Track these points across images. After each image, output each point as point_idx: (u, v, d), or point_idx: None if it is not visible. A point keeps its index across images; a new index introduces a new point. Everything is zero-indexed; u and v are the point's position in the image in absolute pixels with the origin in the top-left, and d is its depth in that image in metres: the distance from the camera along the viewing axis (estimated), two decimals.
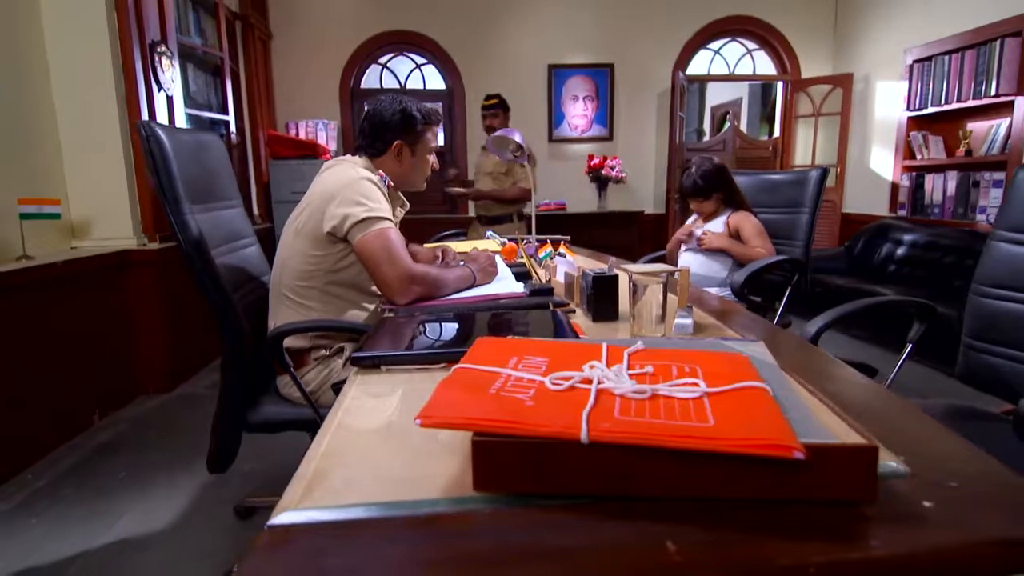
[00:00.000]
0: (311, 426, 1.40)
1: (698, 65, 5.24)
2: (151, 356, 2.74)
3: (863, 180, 4.79)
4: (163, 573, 1.57)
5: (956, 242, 3.46)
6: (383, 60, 4.84)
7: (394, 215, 1.59)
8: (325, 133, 4.45)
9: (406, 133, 1.54)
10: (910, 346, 1.29)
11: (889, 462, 0.56)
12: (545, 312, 1.15)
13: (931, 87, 3.99)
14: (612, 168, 4.61)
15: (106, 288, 2.56)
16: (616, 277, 1.16)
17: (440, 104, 5.04)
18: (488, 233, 2.12)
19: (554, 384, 0.60)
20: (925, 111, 4.05)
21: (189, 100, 3.24)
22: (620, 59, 4.93)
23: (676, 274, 1.23)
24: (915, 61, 4.11)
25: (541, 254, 1.83)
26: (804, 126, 5.25)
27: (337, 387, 1.35)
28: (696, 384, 0.59)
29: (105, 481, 2.04)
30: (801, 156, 5.28)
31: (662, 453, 0.49)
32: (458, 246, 1.97)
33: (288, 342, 1.44)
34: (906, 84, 4.19)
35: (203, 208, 1.46)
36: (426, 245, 1.96)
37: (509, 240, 2.12)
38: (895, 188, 4.42)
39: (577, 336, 0.98)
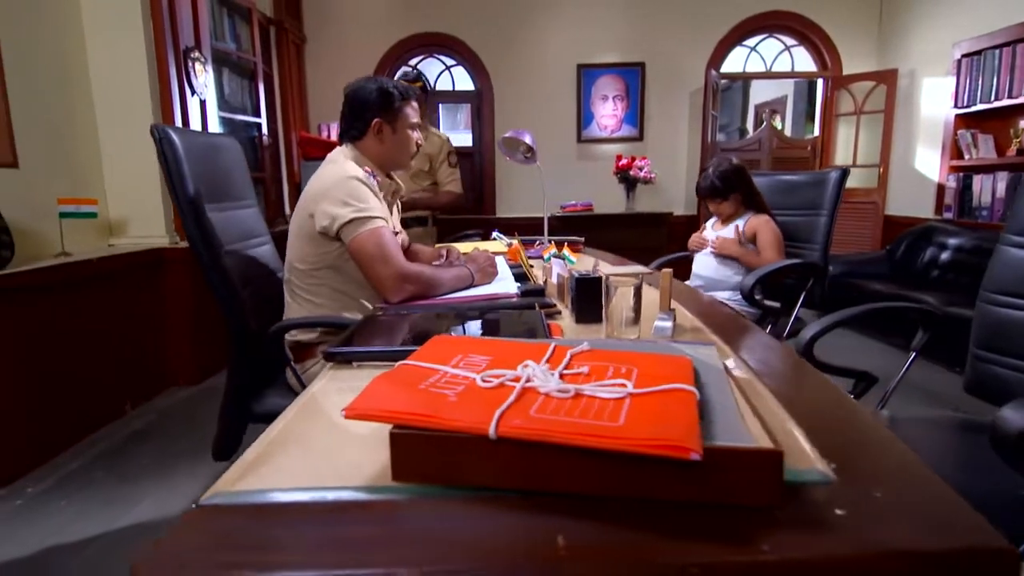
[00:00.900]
0: None
1: (733, 62, 5.12)
2: (181, 350, 2.86)
3: (907, 181, 4.59)
4: None
5: None
6: (413, 62, 4.91)
7: (388, 200, 1.60)
8: None
9: (384, 110, 1.53)
10: (914, 354, 1.24)
11: (816, 468, 0.56)
12: (531, 312, 1.16)
13: (981, 83, 3.79)
14: (640, 169, 4.56)
15: (139, 284, 2.69)
16: (600, 279, 1.15)
17: (468, 105, 5.10)
18: (495, 233, 2.14)
19: (484, 382, 0.61)
20: (974, 108, 3.84)
21: (223, 103, 3.38)
22: (651, 57, 4.86)
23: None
24: (964, 55, 3.91)
25: (545, 255, 1.84)
26: (845, 125, 5.06)
27: None
28: (624, 385, 0.59)
29: (131, 467, 2.15)
30: (842, 156, 5.10)
31: (565, 451, 0.50)
32: (464, 247, 1.99)
33: (298, 336, 1.49)
34: (954, 80, 4.00)
35: (217, 207, 1.53)
36: (437, 245, 1.99)
37: (521, 241, 2.13)
38: (941, 189, 4.22)
39: (550, 336, 0.98)
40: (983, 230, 3.64)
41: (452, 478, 0.53)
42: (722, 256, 2.24)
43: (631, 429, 0.50)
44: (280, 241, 1.80)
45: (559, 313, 1.24)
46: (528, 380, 0.60)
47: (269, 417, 1.51)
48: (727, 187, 2.24)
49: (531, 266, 1.68)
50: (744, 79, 5.40)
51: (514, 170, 4.74)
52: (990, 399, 1.19)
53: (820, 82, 5.17)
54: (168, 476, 2.08)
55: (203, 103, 3.01)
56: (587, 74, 4.86)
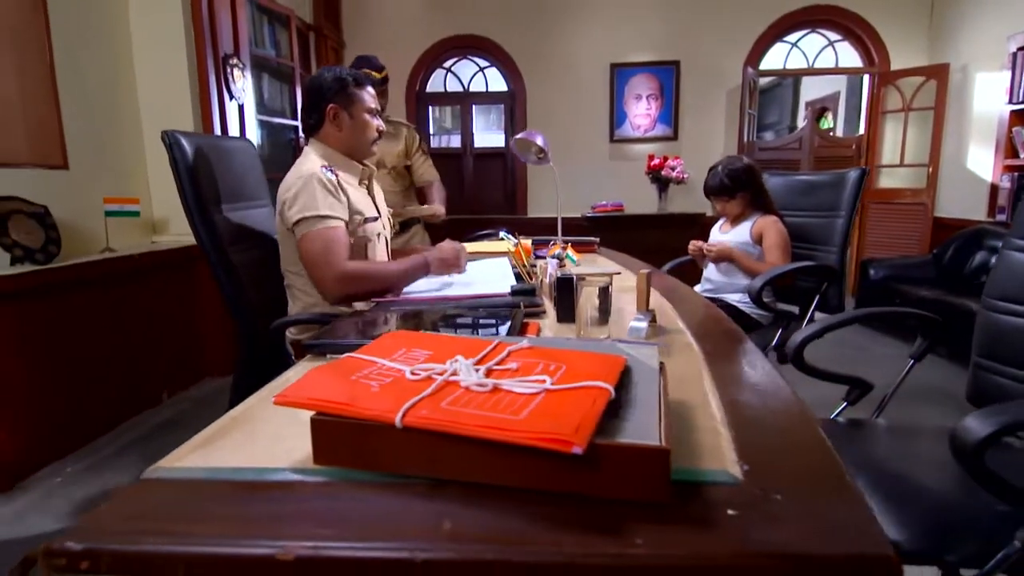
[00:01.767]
0: None
1: (774, 59, 4.98)
2: (216, 342, 3.01)
3: (958, 181, 4.36)
4: None
5: None
6: (447, 64, 5.00)
7: (366, 184, 1.60)
8: None
9: (338, 95, 1.53)
10: (911, 362, 1.20)
11: (726, 469, 0.56)
12: (513, 311, 1.18)
13: None
14: (673, 169, 4.49)
15: (177, 279, 2.85)
16: (573, 279, 1.16)
17: (502, 106, 5.13)
18: (501, 232, 2.15)
19: (413, 375, 0.64)
20: None
21: (262, 107, 3.53)
22: (686, 56, 4.79)
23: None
24: (1020, 49, 3.70)
25: (550, 255, 1.85)
26: (892, 122, 4.85)
27: None
28: (543, 381, 0.61)
29: (160, 453, 2.26)
30: (889, 155, 4.89)
31: (465, 441, 0.52)
32: (473, 247, 2.02)
33: (297, 334, 1.56)
34: (1009, 74, 3.78)
35: (231, 208, 1.61)
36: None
37: (532, 241, 2.15)
38: (994, 190, 3.99)
39: (522, 335, 1.00)
40: None
41: (367, 463, 0.56)
42: (721, 263, 2.20)
43: (528, 423, 0.52)
44: None
45: (544, 312, 1.25)
46: (453, 374, 0.63)
47: None
48: (736, 185, 2.19)
49: (533, 266, 1.70)
50: (783, 76, 5.23)
51: (545, 171, 4.75)
52: None
53: (865, 78, 4.97)
54: None
55: (241, 107, 3.15)
56: (620, 73, 4.83)
